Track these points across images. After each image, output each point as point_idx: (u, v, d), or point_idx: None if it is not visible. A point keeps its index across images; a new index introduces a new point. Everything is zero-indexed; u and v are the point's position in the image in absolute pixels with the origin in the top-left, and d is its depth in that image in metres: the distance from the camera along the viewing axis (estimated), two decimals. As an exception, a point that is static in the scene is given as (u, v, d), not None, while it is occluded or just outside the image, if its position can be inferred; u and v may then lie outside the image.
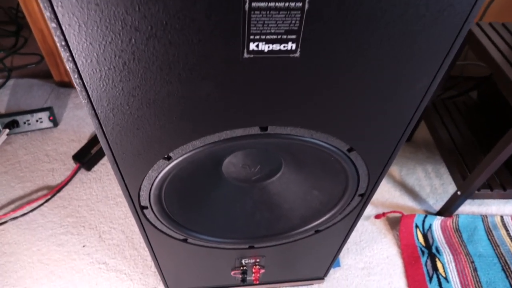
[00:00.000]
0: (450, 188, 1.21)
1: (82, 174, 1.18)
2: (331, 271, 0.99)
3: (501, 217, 1.13)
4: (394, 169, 1.24)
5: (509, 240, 1.08)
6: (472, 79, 1.37)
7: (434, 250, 1.04)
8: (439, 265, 1.01)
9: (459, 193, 1.02)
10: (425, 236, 1.07)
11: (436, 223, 1.10)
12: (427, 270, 1.00)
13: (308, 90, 0.43)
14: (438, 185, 1.21)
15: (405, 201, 1.16)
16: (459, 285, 0.98)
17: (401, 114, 0.48)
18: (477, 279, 0.99)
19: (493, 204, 1.18)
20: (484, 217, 1.13)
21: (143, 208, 0.60)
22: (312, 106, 0.45)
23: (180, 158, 0.50)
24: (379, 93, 0.44)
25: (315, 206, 0.68)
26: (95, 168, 1.19)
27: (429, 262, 1.02)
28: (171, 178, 0.55)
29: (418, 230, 1.08)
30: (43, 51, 1.31)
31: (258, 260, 0.82)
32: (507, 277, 1.00)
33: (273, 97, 0.43)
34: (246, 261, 0.82)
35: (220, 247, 0.75)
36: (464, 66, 1.38)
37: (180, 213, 0.64)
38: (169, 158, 0.50)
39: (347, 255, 1.03)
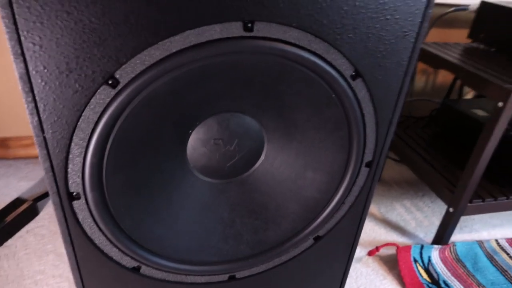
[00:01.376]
0: (435, 219, 1.10)
1: (-12, 252, 0.88)
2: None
3: (496, 241, 1.03)
4: (372, 207, 1.12)
5: (514, 263, 0.96)
6: (421, 119, 1.40)
7: (443, 285, 0.87)
8: (454, 301, 0.84)
9: (451, 210, 0.92)
10: (427, 271, 0.91)
11: (435, 254, 0.95)
12: (444, 309, 0.81)
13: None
14: (422, 218, 1.10)
15: (393, 238, 1.02)
16: (485, 321, 0.80)
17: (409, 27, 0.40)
18: (502, 311, 0.82)
19: (483, 229, 1.08)
20: (480, 243, 1.01)
21: (72, 198, 0.40)
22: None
23: (132, 86, 0.35)
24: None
25: (311, 196, 0.52)
26: (10, 242, 0.91)
27: (442, 299, 0.84)
28: (117, 137, 0.38)
29: (418, 265, 0.92)
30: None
31: (241, 304, 0.59)
32: (531, 304, 0.84)
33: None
34: (225, 309, 0.59)
35: (187, 281, 0.53)
36: (412, 105, 1.42)
37: (129, 217, 0.44)
38: (115, 84, 0.34)
39: (346, 306, 0.82)
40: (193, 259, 0.51)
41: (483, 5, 1.02)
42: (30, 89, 0.32)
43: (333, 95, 0.43)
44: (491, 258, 0.97)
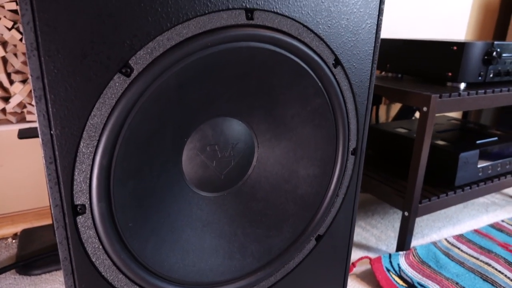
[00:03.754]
0: (390, 232, 1.16)
1: None
2: None
3: (446, 239, 1.12)
4: (333, 233, 1.15)
5: (466, 255, 1.05)
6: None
7: (419, 287, 0.91)
8: (433, 298, 0.87)
9: (406, 213, 0.99)
10: (401, 277, 0.94)
11: (402, 261, 1.00)
12: (428, 307, 0.84)
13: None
14: (379, 234, 1.16)
15: (361, 255, 1.04)
16: (464, 309, 0.84)
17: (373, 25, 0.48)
18: (473, 296, 0.88)
19: (431, 233, 1.18)
20: (435, 244, 1.09)
21: (77, 213, 0.35)
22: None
23: (146, 75, 0.34)
24: None
25: (307, 193, 0.53)
26: None
27: (423, 298, 0.87)
28: (127, 136, 0.36)
29: (391, 273, 0.95)
30: None
31: (253, 332, 0.54)
32: (493, 285, 0.92)
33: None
34: None
35: (198, 310, 0.47)
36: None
37: (135, 235, 0.40)
38: (129, 72, 0.34)
39: (341, 328, 0.79)
40: (203, 281, 0.47)
41: (382, 41, 1.22)
42: (41, 76, 0.30)
43: (319, 84, 0.47)
44: (447, 255, 1.05)
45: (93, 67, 0.32)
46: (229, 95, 0.45)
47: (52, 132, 0.31)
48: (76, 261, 0.36)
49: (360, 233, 1.15)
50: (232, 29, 0.38)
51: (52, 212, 0.33)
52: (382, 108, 1.60)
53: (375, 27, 0.49)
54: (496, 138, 1.20)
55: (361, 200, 1.38)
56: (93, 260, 0.37)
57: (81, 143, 0.33)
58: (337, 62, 0.47)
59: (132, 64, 0.34)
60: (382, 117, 1.64)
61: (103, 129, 0.34)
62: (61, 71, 0.30)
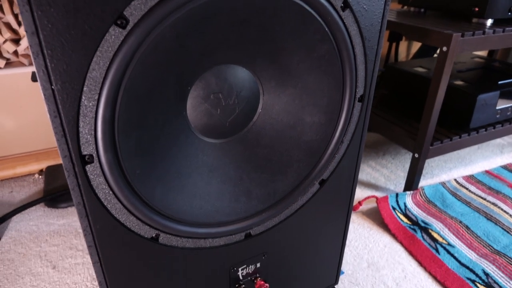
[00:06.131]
0: (400, 172, 1.18)
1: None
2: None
3: (455, 180, 1.13)
4: (343, 172, 1.18)
5: (473, 195, 1.07)
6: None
7: (422, 224, 0.94)
8: (435, 235, 0.91)
9: (416, 155, 0.99)
10: (406, 216, 0.97)
11: (408, 200, 1.02)
12: (429, 244, 0.88)
13: None
14: (388, 173, 1.18)
15: (369, 194, 1.07)
16: (463, 246, 0.88)
17: None
18: (475, 234, 0.91)
19: (442, 173, 1.19)
20: (443, 184, 1.11)
21: (85, 162, 0.37)
22: None
23: (142, 26, 0.34)
24: None
25: (312, 139, 0.54)
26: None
27: (425, 235, 0.90)
28: (128, 87, 0.36)
29: (397, 212, 0.98)
30: None
31: (258, 265, 0.59)
32: (496, 224, 0.95)
33: None
34: (243, 272, 0.58)
35: (206, 246, 0.51)
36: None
37: (143, 181, 0.42)
38: (125, 24, 0.33)
39: (345, 260, 0.84)
40: (210, 221, 0.50)
41: (407, -29, 1.12)
42: (36, 31, 0.29)
43: (326, 29, 0.45)
44: (454, 195, 1.07)
45: (87, 20, 0.31)
46: (229, 42, 0.43)
47: (53, 87, 0.32)
48: (88, 206, 0.39)
49: (370, 173, 1.18)
50: (231, -27, 0.36)
51: (62, 162, 0.35)
52: (403, 45, 1.52)
53: (390, -36, 0.45)
54: (520, 78, 1.14)
55: (373, 140, 1.38)
56: (105, 204, 0.40)
57: (83, 97, 0.34)
58: (346, 5, 0.44)
59: (127, 15, 0.33)
60: (402, 54, 1.56)
61: (103, 82, 0.34)
62: (55, 25, 0.30)
